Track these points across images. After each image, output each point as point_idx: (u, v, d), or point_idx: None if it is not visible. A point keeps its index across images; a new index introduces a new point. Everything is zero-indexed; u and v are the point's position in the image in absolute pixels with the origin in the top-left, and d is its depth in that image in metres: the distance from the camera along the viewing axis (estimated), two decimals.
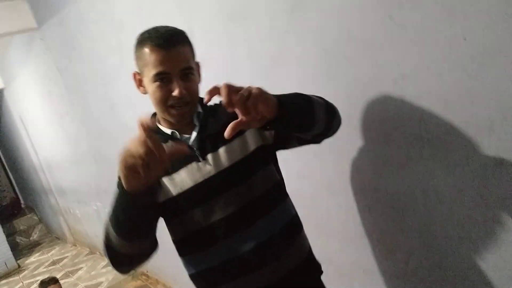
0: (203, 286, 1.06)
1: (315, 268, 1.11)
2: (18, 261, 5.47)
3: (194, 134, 1.00)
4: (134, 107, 2.39)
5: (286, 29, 1.23)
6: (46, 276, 3.10)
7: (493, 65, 0.83)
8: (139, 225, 0.87)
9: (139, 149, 0.68)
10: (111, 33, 2.29)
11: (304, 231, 1.09)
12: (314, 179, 1.39)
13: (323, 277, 1.12)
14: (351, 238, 1.34)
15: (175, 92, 0.91)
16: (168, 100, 0.93)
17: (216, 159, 0.97)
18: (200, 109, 1.02)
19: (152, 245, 0.96)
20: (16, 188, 8.44)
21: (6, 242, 5.37)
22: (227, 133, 0.73)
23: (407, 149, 1.05)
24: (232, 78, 1.45)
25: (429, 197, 1.04)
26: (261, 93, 0.73)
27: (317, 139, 1.00)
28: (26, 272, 5.14)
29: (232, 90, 0.71)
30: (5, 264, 5.28)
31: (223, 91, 0.71)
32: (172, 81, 0.91)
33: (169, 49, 0.90)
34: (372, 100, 1.09)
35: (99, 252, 4.67)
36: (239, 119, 0.73)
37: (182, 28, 0.97)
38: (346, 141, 1.19)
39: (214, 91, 0.72)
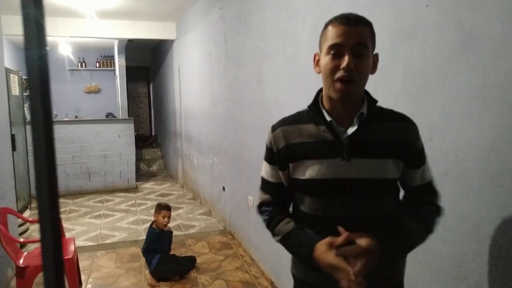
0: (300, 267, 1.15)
1: None
2: (136, 183, 6.47)
3: (350, 131, 1.00)
4: (276, 85, 2.65)
5: (450, 57, 1.27)
6: (155, 202, 3.65)
7: None
8: None
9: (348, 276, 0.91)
10: (282, 19, 2.55)
11: (405, 258, 1.12)
12: None
13: None
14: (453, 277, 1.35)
15: (343, 64, 0.93)
16: (335, 72, 0.95)
17: (361, 167, 0.99)
18: (365, 110, 1.01)
19: None
20: (153, 124, 9.82)
21: (134, 164, 6.40)
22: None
23: None
24: (382, 88, 1.53)
25: None
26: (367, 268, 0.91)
27: None
28: (139, 193, 6.06)
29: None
30: (128, 181, 6.31)
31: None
32: (344, 55, 0.94)
33: (349, 25, 0.94)
34: None
35: (200, 201, 5.24)
36: None
37: None
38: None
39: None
